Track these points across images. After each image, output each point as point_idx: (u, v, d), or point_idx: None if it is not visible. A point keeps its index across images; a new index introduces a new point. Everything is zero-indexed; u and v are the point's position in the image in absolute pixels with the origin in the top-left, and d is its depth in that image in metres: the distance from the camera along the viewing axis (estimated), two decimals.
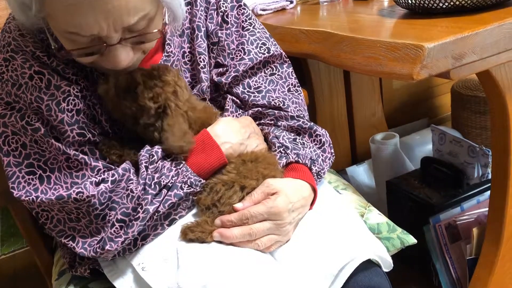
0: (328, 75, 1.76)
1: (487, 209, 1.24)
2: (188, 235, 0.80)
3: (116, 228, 0.79)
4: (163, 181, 0.80)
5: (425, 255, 1.46)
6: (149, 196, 0.79)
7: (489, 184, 1.20)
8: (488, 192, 1.45)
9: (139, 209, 0.79)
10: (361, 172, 1.89)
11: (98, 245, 0.79)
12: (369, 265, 0.80)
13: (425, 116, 2.29)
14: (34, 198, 0.79)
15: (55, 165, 0.80)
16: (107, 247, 0.78)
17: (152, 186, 0.80)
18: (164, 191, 0.80)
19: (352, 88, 1.82)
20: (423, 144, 1.94)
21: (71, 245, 0.81)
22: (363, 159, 1.92)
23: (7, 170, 0.80)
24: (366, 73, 1.29)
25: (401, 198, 1.56)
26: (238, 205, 0.81)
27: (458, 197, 1.46)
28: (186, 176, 0.82)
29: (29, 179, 0.80)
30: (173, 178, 0.81)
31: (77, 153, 0.80)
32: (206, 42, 0.95)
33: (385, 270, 0.82)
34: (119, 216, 0.79)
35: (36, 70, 0.79)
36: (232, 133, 0.87)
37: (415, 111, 2.25)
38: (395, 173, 1.70)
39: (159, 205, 0.80)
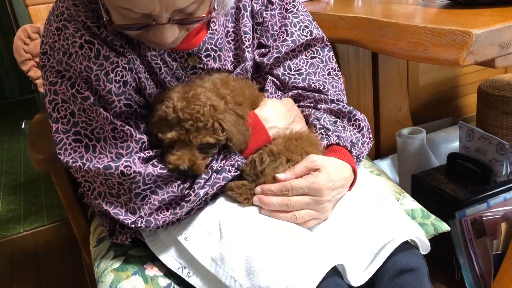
0: (356, 68, 1.76)
1: None
2: (228, 191, 0.83)
3: (163, 209, 0.81)
4: (214, 166, 0.82)
5: (449, 249, 1.46)
6: (202, 181, 0.81)
7: None
8: None
9: (190, 192, 0.80)
10: (385, 166, 1.89)
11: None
12: (407, 246, 0.80)
13: (450, 115, 2.27)
14: (81, 165, 0.80)
15: (101, 135, 0.81)
16: (152, 225, 0.81)
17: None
18: (214, 174, 0.82)
19: (380, 82, 1.82)
20: (448, 142, 1.94)
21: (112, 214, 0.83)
22: (387, 153, 1.91)
23: (55, 136, 0.82)
24: (409, 59, 1.28)
25: (426, 192, 1.56)
26: (280, 176, 0.82)
27: (485, 193, 1.45)
28: (234, 159, 0.83)
29: (75, 146, 0.82)
30: (222, 162, 0.83)
31: (123, 123, 0.81)
32: (251, 22, 0.96)
33: (423, 252, 0.83)
34: (167, 201, 0.81)
35: (86, 40, 0.80)
36: (279, 117, 0.88)
37: (440, 109, 2.23)
38: (420, 168, 1.70)
39: (209, 188, 0.81)
